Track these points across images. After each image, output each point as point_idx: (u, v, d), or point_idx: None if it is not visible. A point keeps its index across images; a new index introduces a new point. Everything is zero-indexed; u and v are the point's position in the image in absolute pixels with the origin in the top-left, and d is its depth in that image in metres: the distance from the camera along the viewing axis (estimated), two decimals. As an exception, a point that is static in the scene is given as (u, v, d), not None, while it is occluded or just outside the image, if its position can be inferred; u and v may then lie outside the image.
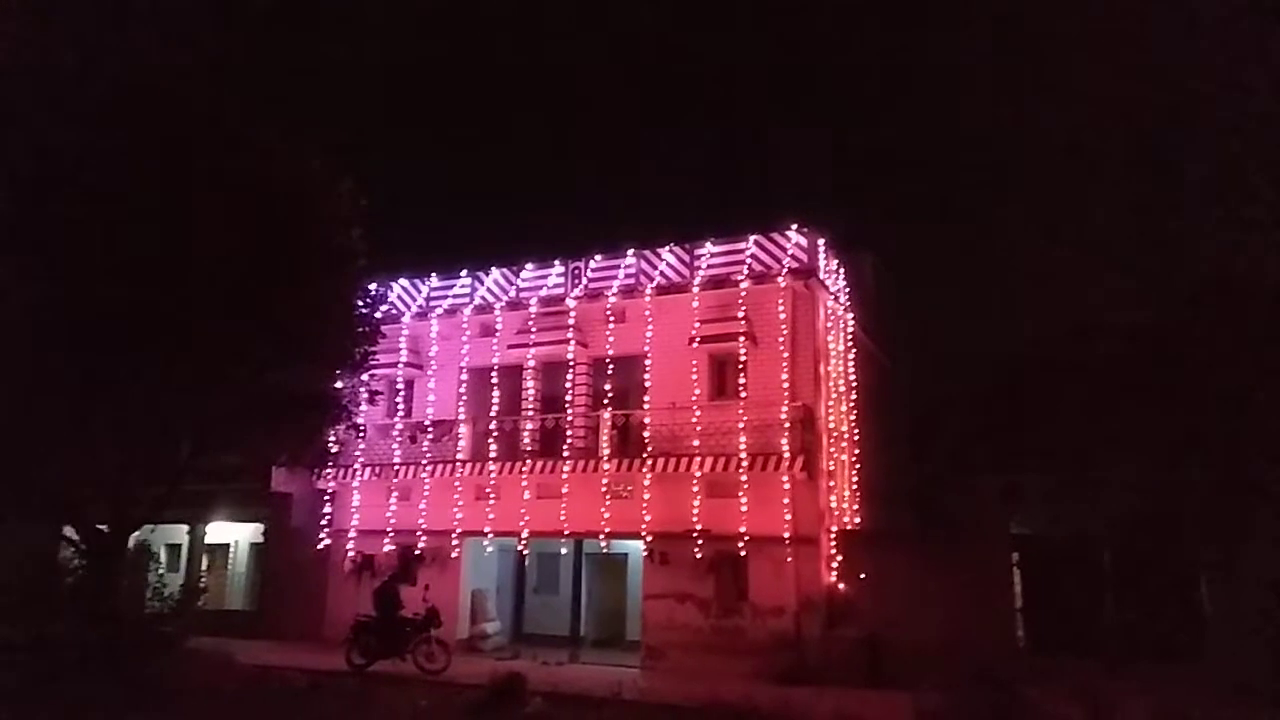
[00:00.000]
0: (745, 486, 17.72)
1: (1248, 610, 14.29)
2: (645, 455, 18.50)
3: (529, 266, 21.35)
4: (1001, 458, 19.87)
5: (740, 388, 18.34)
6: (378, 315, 15.83)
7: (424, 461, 20.80)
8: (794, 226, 18.77)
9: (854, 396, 21.15)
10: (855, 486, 20.66)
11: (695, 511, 18.01)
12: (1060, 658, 14.97)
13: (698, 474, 18.04)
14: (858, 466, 20.93)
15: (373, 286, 15.69)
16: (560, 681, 15.28)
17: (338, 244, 13.82)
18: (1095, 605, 15.87)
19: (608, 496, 18.79)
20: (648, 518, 18.36)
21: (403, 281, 22.60)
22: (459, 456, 20.62)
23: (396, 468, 21.18)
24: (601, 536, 18.90)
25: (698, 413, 18.46)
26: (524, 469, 19.64)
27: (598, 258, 20.54)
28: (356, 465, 21.39)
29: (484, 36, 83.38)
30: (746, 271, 18.78)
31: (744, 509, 17.63)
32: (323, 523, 21.92)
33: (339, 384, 15.16)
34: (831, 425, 19.10)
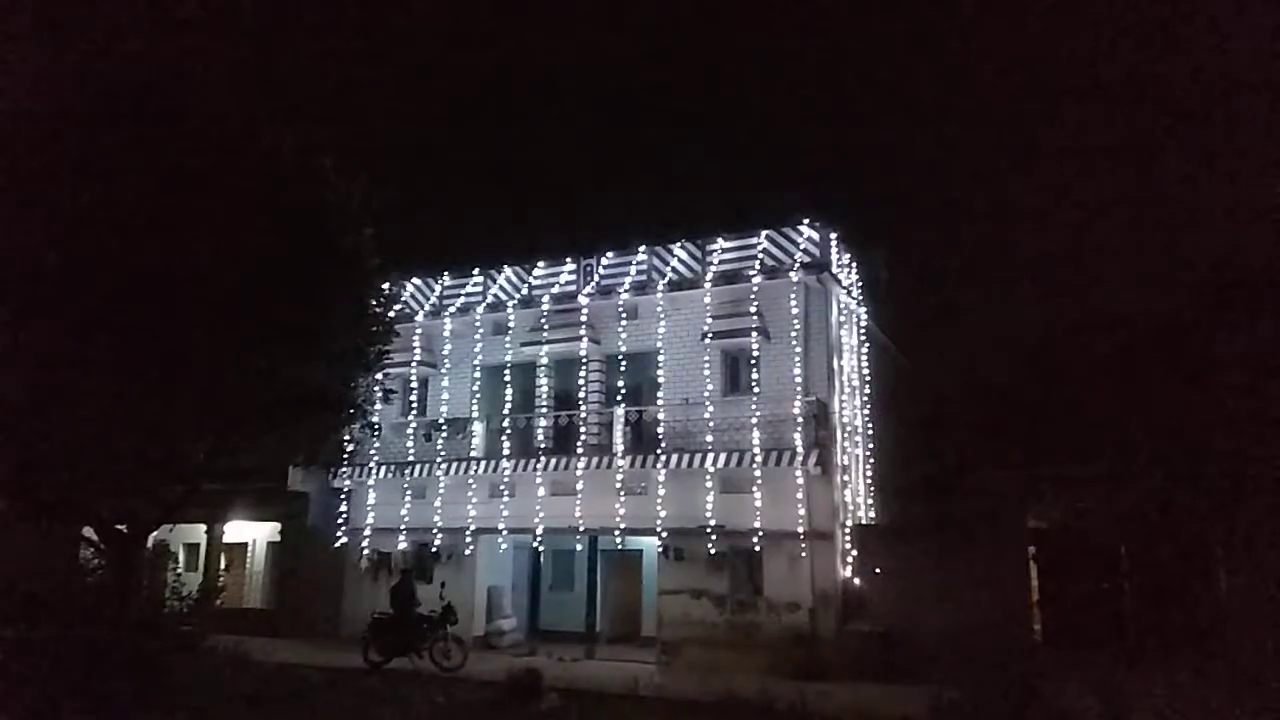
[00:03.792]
0: (759, 482, 17.72)
1: (1265, 603, 14.21)
2: (659, 451, 18.52)
3: (541, 264, 21.39)
4: (1017, 451, 19.78)
5: (753, 383, 18.33)
6: (391, 314, 15.86)
7: (438, 460, 20.87)
8: (806, 221, 18.73)
9: (868, 391, 21.11)
10: (870, 481, 20.63)
11: (709, 507, 18.01)
12: (1077, 651, 14.91)
13: (711, 470, 18.05)
14: (872, 461, 20.89)
15: (386, 286, 15.72)
16: (576, 678, 15.32)
17: (350, 243, 13.84)
18: (1112, 598, 15.80)
19: (622, 493, 18.82)
20: (662, 514, 18.37)
21: (416, 281, 22.67)
22: (473, 454, 20.68)
23: (411, 466, 21.26)
24: (616, 533, 18.93)
25: (711, 408, 18.46)
26: (538, 466, 19.69)
27: (609, 255, 20.55)
28: (372, 464, 21.49)
29: (495, 36, 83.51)
30: (758, 267, 18.75)
31: (758, 504, 17.63)
32: (339, 521, 22.03)
33: (353, 383, 15.20)
34: (845, 420, 19.07)
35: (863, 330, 21.27)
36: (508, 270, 21.83)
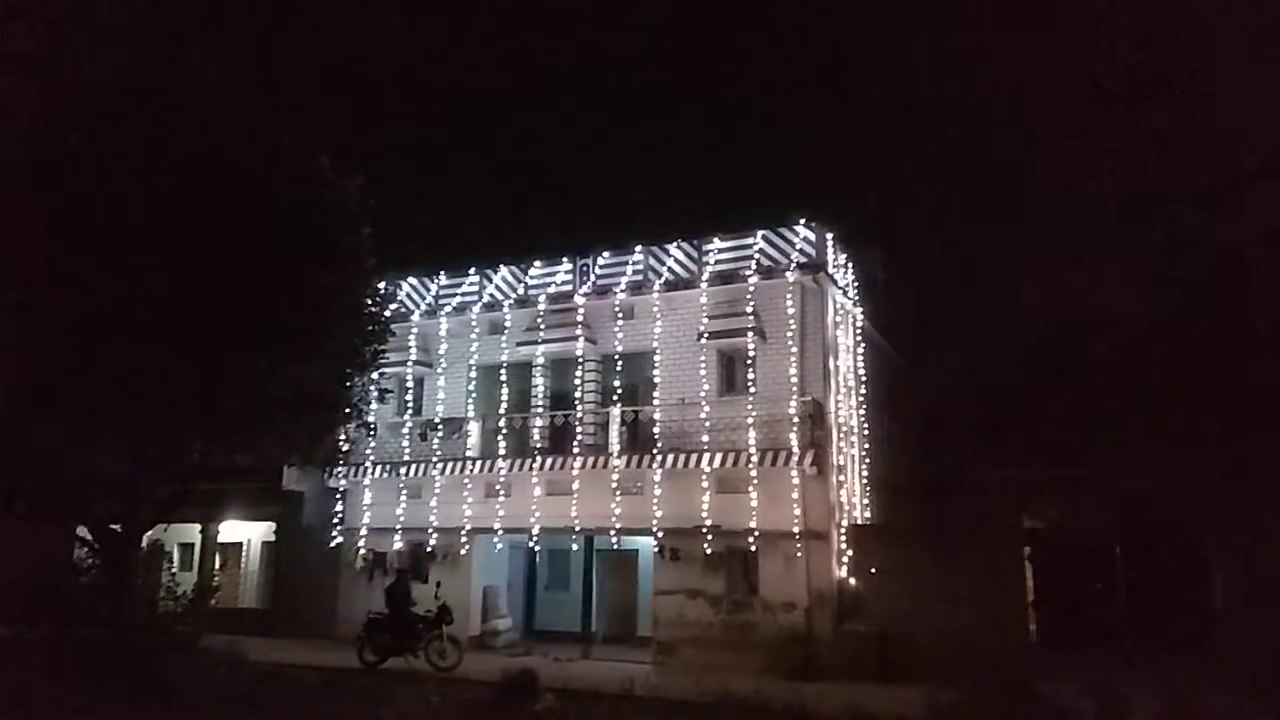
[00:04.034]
0: (755, 482, 17.71)
1: (1259, 602, 14.25)
2: (655, 451, 18.50)
3: (537, 264, 21.38)
4: (1012, 451, 19.82)
5: (749, 383, 18.33)
6: (387, 314, 15.85)
7: (434, 459, 20.84)
8: (802, 221, 18.74)
9: (863, 391, 21.13)
10: (865, 481, 20.64)
11: (705, 507, 18.01)
12: (1072, 651, 14.94)
13: (707, 470, 18.04)
14: (868, 461, 20.91)
15: (382, 285, 15.71)
16: (572, 678, 15.30)
17: (347, 243, 13.84)
18: (1106, 598, 15.84)
19: (618, 493, 18.81)
20: (658, 514, 18.36)
21: (411, 280, 22.64)
22: (469, 454, 20.66)
23: (407, 466, 21.23)
24: (612, 533, 18.92)
25: (707, 408, 18.46)
26: (534, 466, 19.66)
27: (606, 254, 20.54)
28: (367, 464, 21.45)
29: (494, 36, 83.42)
30: (755, 267, 18.76)
31: (754, 504, 17.62)
32: (334, 521, 21.98)
33: (349, 383, 15.18)
34: (841, 420, 19.07)
35: (859, 330, 21.28)
36: (504, 270, 21.81)
